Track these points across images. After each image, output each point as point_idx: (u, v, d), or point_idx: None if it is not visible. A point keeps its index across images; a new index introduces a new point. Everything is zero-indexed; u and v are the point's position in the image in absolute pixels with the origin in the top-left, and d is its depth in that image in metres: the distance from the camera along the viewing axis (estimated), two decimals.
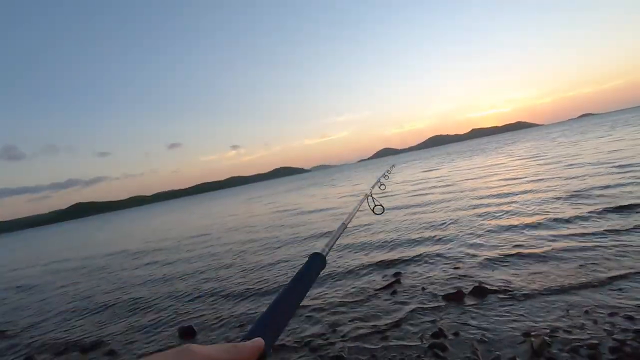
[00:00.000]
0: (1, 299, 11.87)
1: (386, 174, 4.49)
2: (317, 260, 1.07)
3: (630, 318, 3.87)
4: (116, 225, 50.90)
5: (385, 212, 2.88)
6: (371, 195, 2.88)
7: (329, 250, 1.21)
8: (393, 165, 5.37)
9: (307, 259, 1.09)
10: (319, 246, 1.59)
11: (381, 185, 4.21)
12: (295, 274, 0.93)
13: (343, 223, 1.71)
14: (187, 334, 5.89)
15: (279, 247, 11.32)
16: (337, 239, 1.41)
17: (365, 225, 11.85)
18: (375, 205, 2.81)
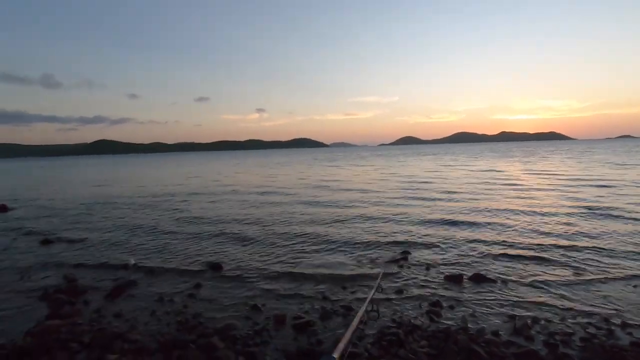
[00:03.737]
0: (55, 214, 13.25)
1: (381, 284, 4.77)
2: None
3: (606, 320, 4.44)
4: (153, 168, 53.21)
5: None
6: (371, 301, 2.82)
7: (341, 354, 1.07)
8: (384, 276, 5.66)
9: None
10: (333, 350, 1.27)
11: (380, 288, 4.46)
12: None
13: (352, 325, 1.63)
14: (215, 267, 6.80)
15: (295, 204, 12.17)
16: (349, 340, 1.29)
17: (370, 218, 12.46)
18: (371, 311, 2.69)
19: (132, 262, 7.18)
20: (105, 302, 5.42)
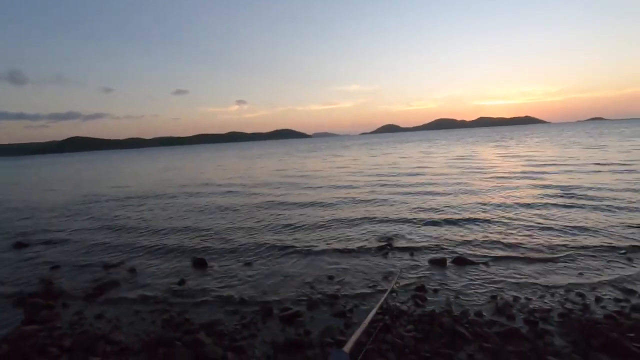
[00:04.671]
0: (28, 216, 12.67)
1: (400, 275, 4.92)
2: None
3: (581, 295, 4.64)
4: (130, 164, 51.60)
5: None
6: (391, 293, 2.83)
7: (352, 348, 1.07)
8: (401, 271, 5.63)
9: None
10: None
11: (397, 283, 4.68)
12: None
13: (365, 323, 1.65)
14: (199, 263, 6.68)
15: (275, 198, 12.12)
16: (359, 336, 1.36)
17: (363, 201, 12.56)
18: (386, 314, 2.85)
19: None
20: (86, 304, 5.25)
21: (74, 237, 9.18)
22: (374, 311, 1.89)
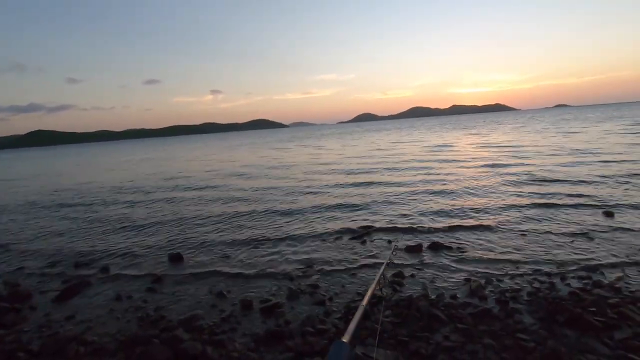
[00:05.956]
0: None
1: (394, 251, 4.62)
2: (342, 351, 0.99)
3: (548, 275, 4.88)
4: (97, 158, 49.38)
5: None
6: (383, 275, 2.64)
7: (352, 337, 1.13)
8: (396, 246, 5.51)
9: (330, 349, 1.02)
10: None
11: (390, 262, 4.32)
12: None
13: (362, 305, 1.68)
14: (175, 258, 6.53)
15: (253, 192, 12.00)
16: (358, 322, 1.38)
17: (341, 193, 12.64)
18: (383, 287, 2.73)
19: None
20: (56, 305, 5.04)
21: (40, 237, 8.75)
22: (369, 293, 1.78)
